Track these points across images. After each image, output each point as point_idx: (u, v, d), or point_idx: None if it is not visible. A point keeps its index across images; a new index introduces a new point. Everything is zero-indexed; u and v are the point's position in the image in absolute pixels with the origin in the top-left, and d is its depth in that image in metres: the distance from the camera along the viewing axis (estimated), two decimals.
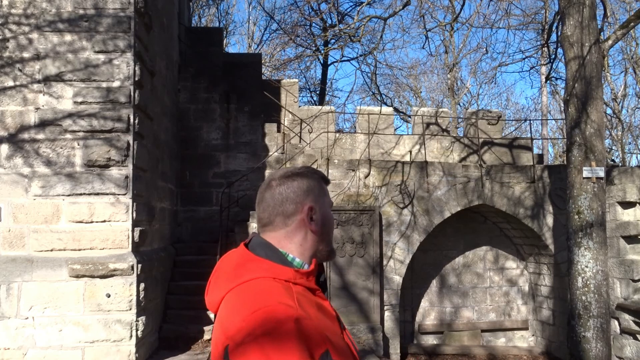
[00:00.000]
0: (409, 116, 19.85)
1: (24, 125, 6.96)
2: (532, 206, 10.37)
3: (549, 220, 10.35)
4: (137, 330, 6.83)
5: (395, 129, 15.93)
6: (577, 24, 8.10)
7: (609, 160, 18.97)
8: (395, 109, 20.69)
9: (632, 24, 8.49)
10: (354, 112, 16.89)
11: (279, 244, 1.44)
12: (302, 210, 1.47)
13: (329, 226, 1.53)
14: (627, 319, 9.10)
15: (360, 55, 23.19)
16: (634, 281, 9.22)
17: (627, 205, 9.73)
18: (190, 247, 10.33)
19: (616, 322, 9.28)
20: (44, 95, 7.03)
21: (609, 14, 13.14)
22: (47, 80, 7.03)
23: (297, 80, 13.33)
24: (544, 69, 19.78)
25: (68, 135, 6.97)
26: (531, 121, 15.20)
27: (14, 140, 6.93)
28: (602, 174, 7.94)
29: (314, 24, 20.93)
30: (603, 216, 7.99)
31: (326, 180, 1.59)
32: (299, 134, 12.34)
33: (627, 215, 9.71)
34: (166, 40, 9.93)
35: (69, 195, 6.88)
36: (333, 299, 8.87)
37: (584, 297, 7.72)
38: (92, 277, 6.72)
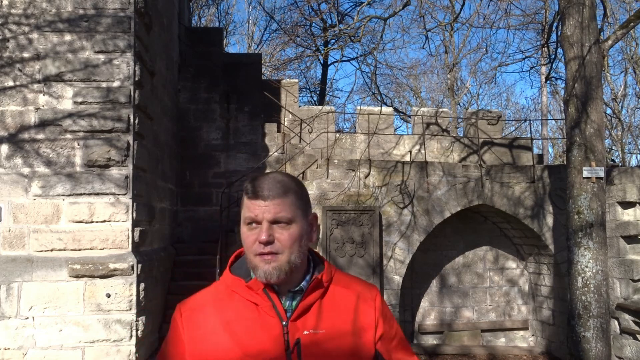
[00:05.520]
0: (409, 116, 19.85)
1: (24, 125, 6.96)
2: (532, 206, 10.37)
3: (549, 220, 10.35)
4: (137, 330, 6.83)
5: (395, 129, 15.93)
6: (577, 24, 8.09)
7: (609, 160, 18.97)
8: (395, 109, 20.68)
9: (632, 24, 8.48)
10: (354, 112, 16.89)
11: None
12: None
13: (244, 243, 1.52)
14: (627, 319, 9.10)
15: (360, 55, 23.20)
16: (634, 281, 9.22)
17: (627, 205, 9.73)
18: (190, 247, 10.33)
19: (616, 322, 9.28)
20: (44, 95, 7.03)
21: (609, 14, 13.14)
22: (47, 80, 7.03)
23: (297, 80, 13.33)
24: (544, 69, 19.79)
25: (68, 135, 6.97)
26: (531, 121, 15.22)
27: (14, 140, 6.93)
28: (602, 174, 7.94)
29: (314, 24, 20.94)
30: (603, 216, 7.99)
31: (248, 191, 1.52)
32: (299, 134, 12.34)
33: (627, 215, 9.71)
34: (166, 40, 9.93)
35: (69, 195, 6.88)
36: None
37: (584, 297, 7.72)
38: (92, 277, 6.72)
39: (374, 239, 9.39)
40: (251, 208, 1.50)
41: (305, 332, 1.45)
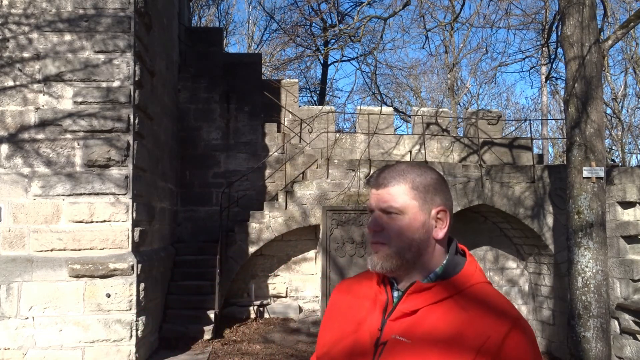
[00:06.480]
0: (409, 116, 19.85)
1: (24, 125, 6.96)
2: (532, 206, 10.36)
3: (549, 220, 10.35)
4: (137, 330, 6.83)
5: (395, 129, 15.93)
6: (577, 24, 8.09)
7: (609, 160, 18.96)
8: (395, 109, 20.68)
9: (632, 24, 8.48)
10: (354, 112, 16.89)
11: None
12: None
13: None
14: (627, 319, 9.10)
15: (360, 55, 23.18)
16: (634, 281, 9.22)
17: (627, 205, 9.73)
18: (190, 247, 10.33)
19: (616, 322, 9.28)
20: (44, 95, 7.03)
21: (609, 14, 13.15)
22: (47, 80, 7.03)
23: (297, 80, 13.32)
24: (544, 69, 19.79)
25: (68, 135, 6.97)
26: (531, 121, 15.21)
27: (14, 140, 6.94)
28: (602, 174, 7.94)
29: (314, 24, 20.94)
30: (603, 216, 7.99)
31: (368, 180, 1.53)
32: (299, 134, 12.34)
33: (627, 215, 9.70)
34: (166, 40, 9.93)
35: (69, 195, 6.88)
36: None
37: (584, 297, 7.72)
38: (92, 277, 6.72)
39: None
40: (370, 197, 1.53)
41: (393, 336, 1.34)
